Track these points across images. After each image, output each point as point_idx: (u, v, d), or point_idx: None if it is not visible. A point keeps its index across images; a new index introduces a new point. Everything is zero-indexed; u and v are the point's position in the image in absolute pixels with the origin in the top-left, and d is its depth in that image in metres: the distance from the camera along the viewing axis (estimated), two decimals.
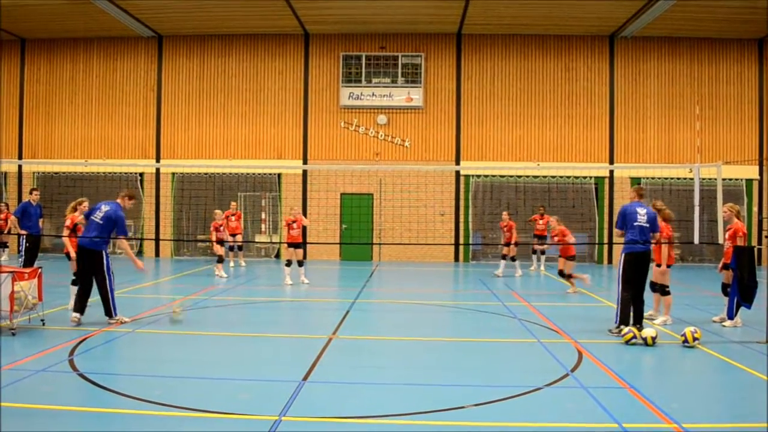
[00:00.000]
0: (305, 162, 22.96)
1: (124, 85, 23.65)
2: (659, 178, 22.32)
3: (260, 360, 8.02)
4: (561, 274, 14.79)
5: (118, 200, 10.16)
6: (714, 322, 10.59)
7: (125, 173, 23.07)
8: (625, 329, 9.02)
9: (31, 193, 14.32)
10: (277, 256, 23.00)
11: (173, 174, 23.22)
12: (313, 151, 23.06)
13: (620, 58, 22.84)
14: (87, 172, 22.85)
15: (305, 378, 6.92)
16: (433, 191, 22.38)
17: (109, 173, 22.58)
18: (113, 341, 8.78)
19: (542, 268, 19.52)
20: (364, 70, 22.84)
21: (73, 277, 10.42)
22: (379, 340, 9.54)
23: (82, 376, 6.86)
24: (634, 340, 8.80)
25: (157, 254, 23.39)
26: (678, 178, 22.10)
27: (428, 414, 5.76)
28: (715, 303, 11.93)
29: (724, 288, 10.67)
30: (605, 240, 22.14)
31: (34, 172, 23.54)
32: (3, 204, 19.26)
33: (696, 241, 11.67)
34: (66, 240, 10.73)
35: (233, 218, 19.01)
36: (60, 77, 23.89)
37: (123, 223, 10.00)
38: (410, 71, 22.86)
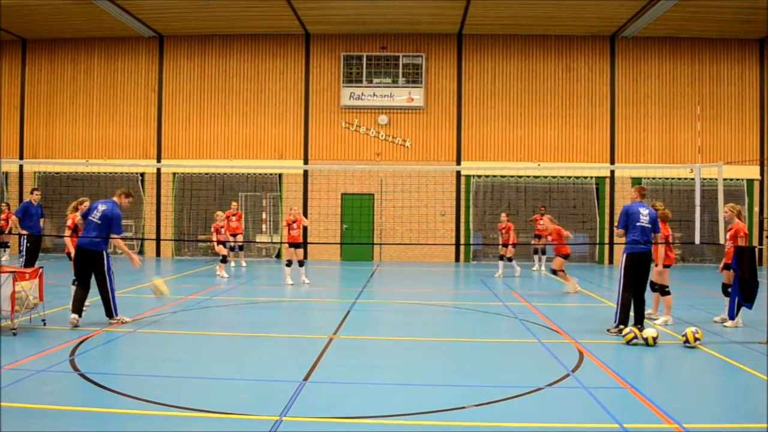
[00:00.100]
0: (306, 162, 22.97)
1: (125, 85, 23.66)
2: (660, 179, 22.31)
3: (261, 360, 8.01)
4: (555, 272, 14.78)
5: (115, 198, 10.10)
6: (715, 322, 10.58)
7: (126, 173, 23.08)
8: (626, 329, 9.01)
9: (32, 193, 14.32)
10: (278, 256, 23.00)
11: (174, 174, 23.23)
12: (313, 151, 23.07)
13: (621, 58, 22.84)
14: (88, 172, 22.86)
15: (306, 378, 6.92)
16: (433, 191, 22.38)
17: (110, 173, 22.60)
18: (114, 341, 8.78)
19: (543, 268, 19.51)
20: (365, 70, 22.84)
21: (74, 277, 10.41)
22: (380, 340, 9.54)
23: (83, 376, 6.86)
24: (635, 341, 8.79)
25: (158, 254, 23.41)
26: (679, 179, 22.10)
27: (429, 414, 5.76)
28: (716, 303, 11.91)
29: (725, 288, 10.67)
30: (606, 240, 22.13)
31: (35, 172, 23.56)
32: (4, 204, 19.27)
33: (697, 241, 11.66)
34: (67, 240, 10.73)
35: (234, 218, 19.00)
36: (61, 77, 23.90)
37: (119, 221, 9.90)
38: (411, 71, 22.86)
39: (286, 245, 15.83)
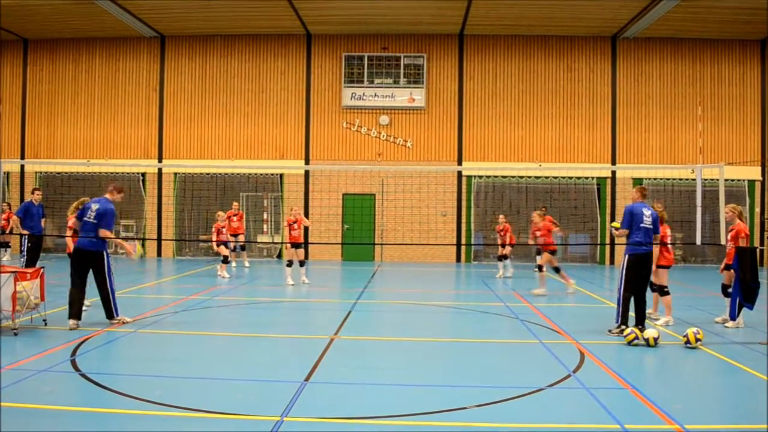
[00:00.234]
0: (307, 162, 22.97)
1: (127, 85, 23.68)
2: (661, 179, 22.30)
3: (262, 360, 8.01)
4: (557, 270, 14.63)
5: (107, 195, 10.05)
6: (716, 323, 10.56)
7: (127, 173, 23.09)
8: (628, 330, 9.01)
9: (33, 193, 14.32)
10: (279, 256, 23.00)
11: (175, 174, 23.24)
12: (315, 151, 23.08)
13: (622, 59, 22.83)
14: (89, 172, 22.87)
15: (307, 378, 6.92)
16: (434, 192, 22.38)
17: (112, 173, 22.60)
18: (115, 341, 8.79)
19: (544, 268, 19.46)
20: (366, 70, 22.84)
21: (71, 278, 10.40)
22: (381, 340, 9.53)
23: (83, 376, 6.86)
24: (636, 341, 8.78)
25: (159, 254, 23.42)
26: (680, 179, 22.09)
27: (430, 415, 5.76)
28: (717, 304, 11.89)
29: (724, 288, 10.67)
30: (607, 240, 22.11)
31: (36, 172, 23.58)
32: (5, 204, 19.27)
33: (698, 241, 11.66)
34: (68, 240, 10.72)
35: (235, 218, 18.99)
36: (62, 77, 23.92)
37: (111, 217, 9.84)
38: (412, 72, 22.86)
39: (287, 245, 15.83)
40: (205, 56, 23.47)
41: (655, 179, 22.31)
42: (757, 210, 22.48)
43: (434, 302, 13.11)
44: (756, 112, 22.71)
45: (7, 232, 17.95)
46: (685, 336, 8.72)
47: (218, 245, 17.22)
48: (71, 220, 10.65)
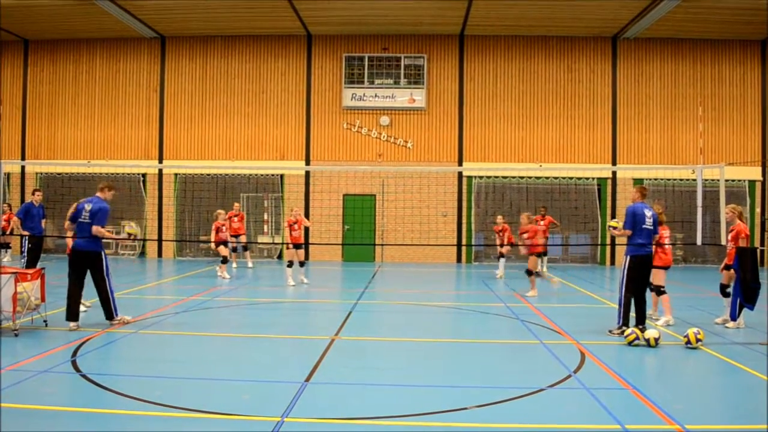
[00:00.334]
0: (308, 163, 22.98)
1: (127, 86, 23.68)
2: (662, 180, 22.29)
3: (262, 361, 8.01)
4: (531, 273, 14.26)
5: (99, 195, 10.01)
6: (716, 323, 10.55)
7: (128, 174, 23.09)
8: (628, 330, 9.01)
9: (33, 194, 14.32)
10: (280, 257, 23.00)
11: (176, 175, 23.25)
12: (315, 152, 23.08)
13: (623, 60, 22.83)
14: (90, 173, 22.84)
15: (308, 379, 6.92)
16: (435, 192, 22.37)
17: (112, 174, 22.56)
18: (115, 342, 8.79)
19: (545, 269, 19.49)
20: (366, 71, 22.84)
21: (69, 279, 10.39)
22: (382, 341, 9.53)
23: (84, 377, 6.86)
24: (637, 341, 8.78)
25: (159, 255, 23.41)
26: (681, 180, 22.09)
27: (431, 415, 5.76)
28: (717, 304, 11.88)
29: (723, 288, 10.67)
30: (608, 241, 22.10)
31: (36, 173, 23.58)
32: (5, 205, 19.27)
33: (699, 242, 11.64)
34: (69, 241, 10.71)
35: (236, 219, 18.97)
36: (63, 78, 23.93)
37: (104, 215, 9.79)
38: (413, 72, 22.86)
39: (288, 246, 15.82)
40: (205, 57, 23.48)
41: (655, 179, 22.30)
42: (758, 210, 22.47)
43: (435, 303, 13.11)
44: (756, 112, 22.70)
45: (8, 233, 17.95)
46: (686, 336, 8.72)
47: (217, 245, 17.20)
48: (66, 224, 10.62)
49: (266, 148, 23.19)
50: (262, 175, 23.14)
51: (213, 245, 17.82)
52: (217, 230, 17.27)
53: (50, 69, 23.98)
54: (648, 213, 9.68)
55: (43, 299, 9.47)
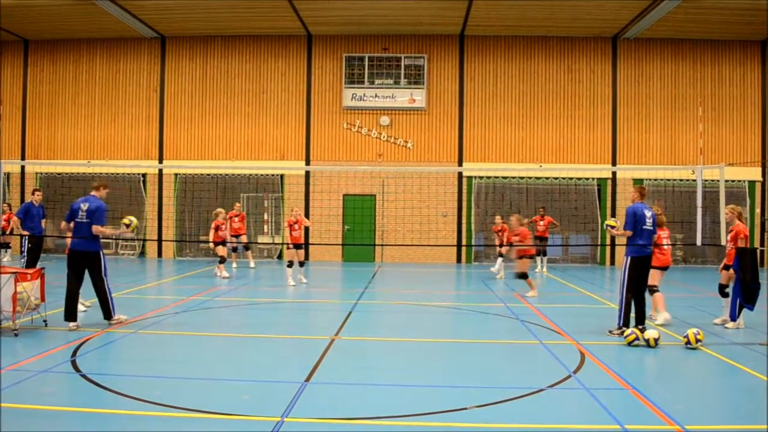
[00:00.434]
0: (308, 163, 22.98)
1: (127, 86, 23.68)
2: (662, 180, 22.29)
3: (262, 361, 8.01)
4: (525, 276, 14.12)
5: (94, 193, 9.99)
6: (715, 324, 10.55)
7: (128, 174, 23.10)
8: (628, 330, 9.02)
9: (33, 194, 14.32)
10: (280, 257, 23.00)
11: (176, 175, 23.25)
12: (315, 152, 23.08)
13: (623, 60, 22.82)
14: (90, 173, 22.82)
15: (307, 379, 6.92)
16: (435, 192, 22.37)
17: (112, 174, 22.58)
18: (115, 342, 8.79)
19: (544, 269, 19.51)
20: (366, 71, 22.84)
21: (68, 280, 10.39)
22: (382, 341, 9.53)
23: (84, 377, 6.86)
24: (636, 342, 8.79)
25: (159, 255, 23.42)
26: (681, 180, 22.09)
27: (431, 415, 5.76)
28: (717, 305, 11.88)
29: (721, 289, 10.66)
30: (608, 242, 22.10)
31: (36, 173, 23.58)
32: (5, 205, 19.27)
33: (698, 242, 11.65)
34: (69, 241, 10.71)
35: (237, 219, 18.96)
36: (63, 78, 23.93)
37: (102, 213, 9.80)
38: (413, 72, 22.86)
39: (288, 246, 15.82)
40: (205, 57, 23.48)
41: (655, 180, 22.30)
42: (758, 211, 22.46)
43: (435, 303, 13.11)
44: (756, 112, 22.70)
45: (8, 232, 17.95)
46: (686, 337, 8.73)
47: (215, 245, 17.18)
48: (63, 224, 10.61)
49: (266, 148, 23.19)
50: (262, 175, 23.14)
51: (211, 245, 17.80)
52: (217, 229, 17.25)
53: (50, 69, 23.98)
54: (648, 213, 9.68)
55: (42, 299, 9.47)
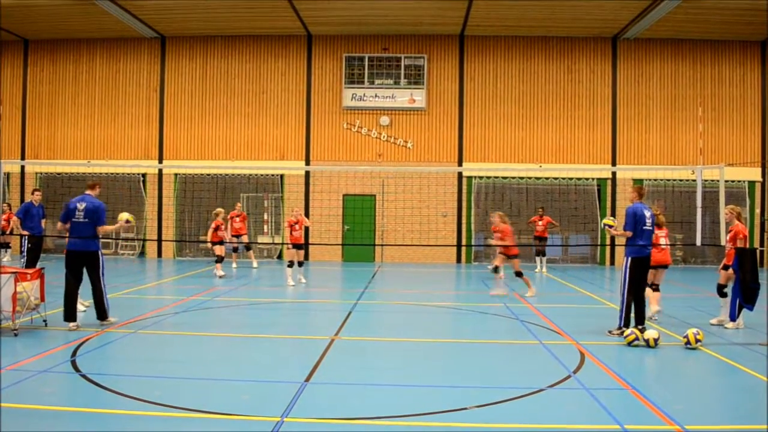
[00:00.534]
0: (308, 163, 22.98)
1: (127, 86, 23.68)
2: (661, 180, 22.29)
3: (262, 361, 8.02)
4: (521, 274, 14.12)
5: (90, 192, 9.94)
6: (712, 324, 10.54)
7: (128, 174, 23.10)
8: (628, 330, 9.02)
9: (33, 194, 14.31)
10: (279, 257, 23.00)
11: (176, 175, 23.25)
12: (315, 152, 23.08)
13: (623, 60, 22.82)
14: (89, 173, 22.80)
15: (307, 379, 6.92)
16: (435, 192, 22.37)
17: (112, 174, 22.61)
18: (115, 342, 8.79)
19: (544, 269, 19.51)
20: (366, 71, 22.84)
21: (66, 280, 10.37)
22: (382, 341, 9.53)
23: (84, 377, 6.86)
24: (636, 342, 8.79)
25: (159, 255, 23.41)
26: (680, 180, 22.08)
27: (431, 415, 5.76)
28: (717, 305, 11.88)
29: (720, 288, 10.66)
30: (607, 242, 22.10)
31: (36, 173, 23.58)
32: (5, 204, 19.24)
33: (698, 242, 11.65)
34: (66, 241, 10.71)
35: (238, 219, 18.95)
36: (63, 78, 23.93)
37: (103, 212, 9.78)
38: (413, 72, 22.86)
39: (288, 246, 15.83)
40: (205, 57, 23.48)
41: (655, 180, 22.30)
42: (758, 211, 22.46)
43: (434, 303, 13.11)
44: (756, 113, 22.70)
45: (8, 232, 17.95)
46: (685, 337, 8.73)
47: (213, 244, 17.15)
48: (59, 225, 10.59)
49: (266, 148, 23.19)
50: (262, 175, 23.13)
51: (209, 244, 17.76)
52: (216, 229, 17.24)
53: (50, 69, 23.98)
54: (647, 214, 9.69)
55: (42, 299, 9.47)
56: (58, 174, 23.30)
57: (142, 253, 23.40)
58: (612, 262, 22.54)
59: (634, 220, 9.55)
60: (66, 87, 23.89)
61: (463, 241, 22.64)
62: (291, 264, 15.70)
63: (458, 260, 22.98)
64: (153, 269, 20.06)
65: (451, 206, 22.71)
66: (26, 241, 12.94)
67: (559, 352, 8.41)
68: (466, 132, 22.89)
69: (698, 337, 8.65)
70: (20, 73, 24.05)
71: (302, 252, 16.31)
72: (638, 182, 21.71)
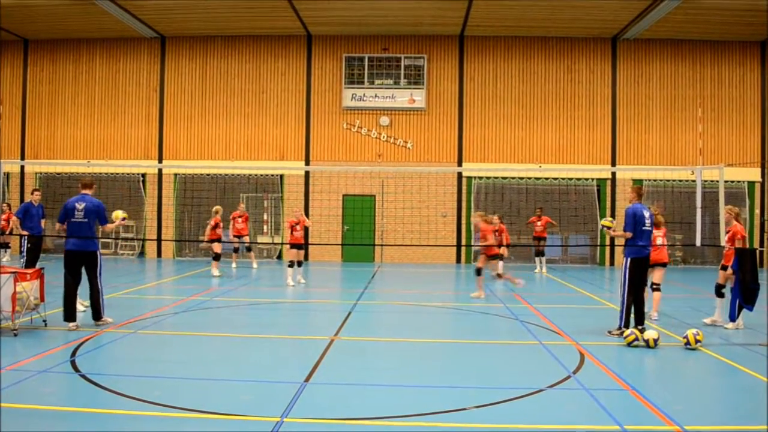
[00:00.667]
0: (307, 163, 22.97)
1: (127, 85, 23.68)
2: (661, 180, 22.29)
3: (262, 361, 8.02)
4: (477, 272, 14.21)
5: (87, 191, 9.90)
6: (705, 324, 10.53)
7: (128, 174, 23.10)
8: (628, 331, 9.02)
9: (32, 194, 14.32)
10: (279, 257, 23.00)
11: (175, 175, 23.24)
12: (315, 152, 23.08)
13: (623, 60, 22.83)
14: (89, 173, 22.79)
15: (307, 379, 6.92)
16: (435, 193, 22.38)
17: (112, 174, 22.62)
18: (115, 342, 8.79)
19: (544, 269, 19.51)
20: (366, 71, 22.84)
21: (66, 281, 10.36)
22: (381, 341, 9.53)
23: (83, 377, 6.86)
24: (636, 342, 8.79)
25: (159, 255, 23.41)
26: (680, 180, 22.08)
27: (431, 415, 5.76)
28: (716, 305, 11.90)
29: (718, 288, 10.66)
30: (607, 242, 22.10)
31: (36, 173, 23.58)
32: (5, 204, 19.25)
33: (698, 243, 11.65)
34: (65, 241, 10.70)
35: (240, 220, 18.93)
36: (63, 78, 23.93)
37: (105, 211, 9.78)
38: (413, 73, 22.87)
39: (288, 246, 15.82)
40: (205, 57, 23.48)
41: (655, 180, 22.31)
42: (757, 211, 22.47)
43: (434, 303, 13.11)
44: (756, 113, 22.71)
45: (7, 232, 17.94)
46: (685, 337, 8.73)
47: (210, 242, 17.12)
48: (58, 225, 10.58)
49: (266, 148, 23.19)
50: (261, 175, 23.13)
51: (206, 243, 17.71)
52: (215, 226, 17.21)
53: (50, 69, 23.98)
54: (647, 214, 9.69)
55: (42, 299, 9.47)
56: (58, 174, 23.30)
57: (142, 253, 23.40)
58: (612, 263, 22.54)
59: (634, 221, 9.54)
60: (66, 87, 23.88)
61: (463, 242, 22.64)
62: (291, 264, 15.69)
63: (458, 260, 22.98)
64: (152, 269, 20.05)
65: (450, 206, 22.71)
66: (26, 241, 12.94)
67: (559, 352, 8.41)
68: (466, 132, 22.89)
69: (698, 337, 8.65)
70: (20, 73, 24.05)
71: (302, 252, 16.30)
72: (638, 182, 21.72)
